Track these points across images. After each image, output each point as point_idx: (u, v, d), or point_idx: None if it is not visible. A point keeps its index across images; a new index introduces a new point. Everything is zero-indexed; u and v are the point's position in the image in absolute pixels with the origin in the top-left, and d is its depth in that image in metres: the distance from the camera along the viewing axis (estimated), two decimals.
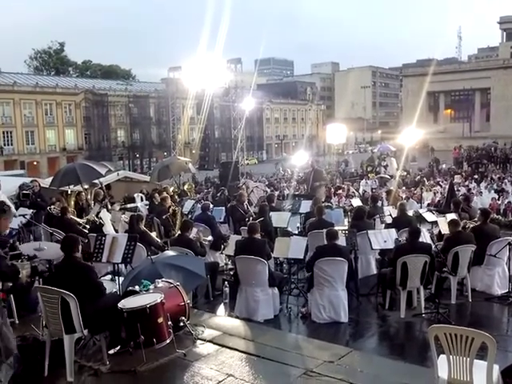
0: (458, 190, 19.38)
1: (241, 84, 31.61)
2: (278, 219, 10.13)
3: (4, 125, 49.67)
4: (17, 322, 6.34)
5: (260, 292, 7.22)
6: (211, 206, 11.32)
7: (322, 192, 14.01)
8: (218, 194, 17.82)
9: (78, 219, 9.72)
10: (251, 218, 10.10)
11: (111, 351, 5.40)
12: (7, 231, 7.69)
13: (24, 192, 10.55)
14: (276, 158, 65.66)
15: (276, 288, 7.40)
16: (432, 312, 7.11)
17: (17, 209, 10.02)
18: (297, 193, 20.15)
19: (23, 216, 8.62)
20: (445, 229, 8.58)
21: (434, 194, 20.82)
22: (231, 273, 8.29)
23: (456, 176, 27.59)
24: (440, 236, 8.68)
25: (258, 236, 7.53)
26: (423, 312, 7.18)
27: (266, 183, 29.37)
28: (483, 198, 20.44)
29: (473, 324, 6.49)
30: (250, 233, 7.55)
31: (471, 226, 8.55)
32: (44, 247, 6.14)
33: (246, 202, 11.87)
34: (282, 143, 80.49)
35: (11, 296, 6.35)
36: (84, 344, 5.50)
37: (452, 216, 9.02)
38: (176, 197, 13.64)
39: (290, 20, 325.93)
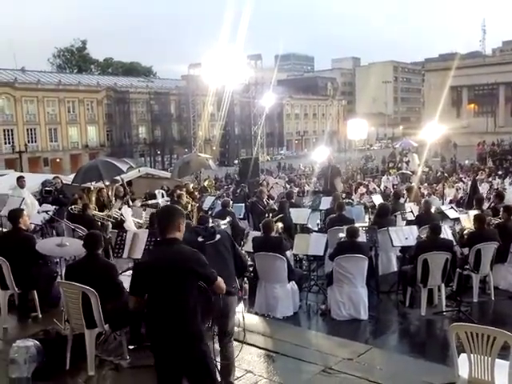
0: (480, 187, 19.02)
1: (261, 80, 31.55)
2: (298, 216, 10.12)
3: (28, 122, 50.57)
4: (40, 316, 6.47)
5: (279, 288, 7.21)
6: (231, 202, 11.35)
7: (340, 187, 14.02)
8: (238, 191, 17.85)
9: (100, 213, 9.80)
10: (270, 215, 10.09)
11: (131, 346, 5.45)
12: (32, 227, 7.88)
13: (46, 189, 10.72)
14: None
15: (295, 284, 7.39)
16: (453, 310, 7.03)
17: (40, 205, 10.20)
18: (317, 189, 20.08)
19: (46, 212, 8.73)
20: (468, 226, 8.44)
21: (457, 190, 20.55)
22: (250, 269, 8.29)
23: (479, 172, 27.14)
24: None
25: (273, 234, 7.47)
26: (444, 310, 7.09)
27: (286, 179, 29.36)
28: (507, 194, 20.00)
29: (495, 323, 6.39)
30: (264, 232, 7.45)
31: (495, 222, 8.41)
32: (66, 243, 6.19)
33: (266, 198, 11.88)
34: (303, 139, 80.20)
35: (34, 291, 6.49)
36: (105, 339, 5.55)
37: (475, 213, 8.86)
38: (196, 193, 13.70)
39: (309, 15, 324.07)
